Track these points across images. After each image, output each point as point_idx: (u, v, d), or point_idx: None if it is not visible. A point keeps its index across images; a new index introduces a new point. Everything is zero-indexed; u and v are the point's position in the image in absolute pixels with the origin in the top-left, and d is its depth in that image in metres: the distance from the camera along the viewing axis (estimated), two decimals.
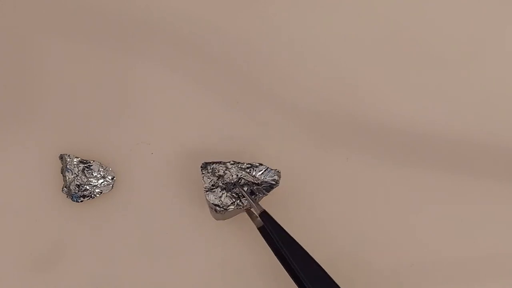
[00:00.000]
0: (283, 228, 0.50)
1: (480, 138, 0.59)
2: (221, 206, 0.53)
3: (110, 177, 0.56)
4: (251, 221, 0.53)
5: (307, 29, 0.61)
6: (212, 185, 0.53)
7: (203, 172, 0.54)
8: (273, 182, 0.53)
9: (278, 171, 0.54)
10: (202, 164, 0.54)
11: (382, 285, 0.55)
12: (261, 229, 0.52)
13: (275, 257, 0.51)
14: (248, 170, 0.54)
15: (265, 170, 0.54)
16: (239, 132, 0.58)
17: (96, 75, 0.59)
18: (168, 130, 0.58)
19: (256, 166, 0.54)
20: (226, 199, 0.53)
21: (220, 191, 0.53)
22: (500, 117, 0.59)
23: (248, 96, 0.59)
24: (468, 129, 0.59)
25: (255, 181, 0.53)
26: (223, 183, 0.53)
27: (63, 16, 0.61)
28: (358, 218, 0.56)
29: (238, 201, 0.53)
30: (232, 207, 0.53)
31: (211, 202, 0.53)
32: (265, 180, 0.53)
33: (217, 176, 0.53)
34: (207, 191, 0.53)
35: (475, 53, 0.61)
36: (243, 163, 0.54)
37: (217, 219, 0.54)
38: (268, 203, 0.53)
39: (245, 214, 0.54)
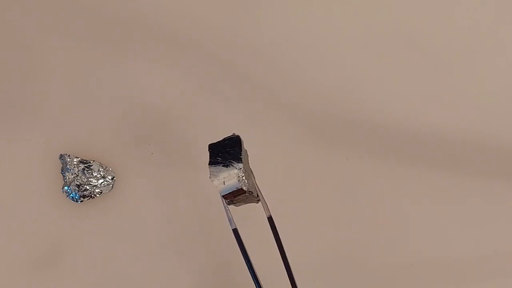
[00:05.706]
0: (280, 239, 0.48)
1: (480, 138, 0.59)
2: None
3: (110, 177, 0.56)
4: (251, 224, 0.53)
5: (308, 29, 0.61)
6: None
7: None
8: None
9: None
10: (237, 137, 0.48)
11: (382, 285, 0.55)
12: (235, 231, 0.48)
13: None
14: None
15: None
16: (238, 132, 0.58)
17: (96, 75, 0.59)
18: (168, 130, 0.58)
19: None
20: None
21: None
22: (500, 117, 0.59)
23: (248, 96, 0.59)
24: (468, 129, 0.59)
25: None
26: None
27: (63, 16, 0.61)
28: (357, 218, 0.56)
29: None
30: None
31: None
32: None
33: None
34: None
35: (475, 53, 0.61)
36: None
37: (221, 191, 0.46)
38: (267, 202, 0.53)
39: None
